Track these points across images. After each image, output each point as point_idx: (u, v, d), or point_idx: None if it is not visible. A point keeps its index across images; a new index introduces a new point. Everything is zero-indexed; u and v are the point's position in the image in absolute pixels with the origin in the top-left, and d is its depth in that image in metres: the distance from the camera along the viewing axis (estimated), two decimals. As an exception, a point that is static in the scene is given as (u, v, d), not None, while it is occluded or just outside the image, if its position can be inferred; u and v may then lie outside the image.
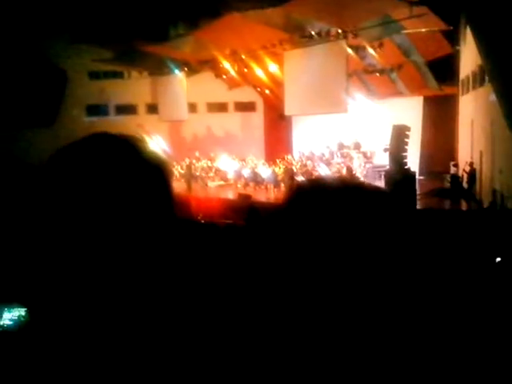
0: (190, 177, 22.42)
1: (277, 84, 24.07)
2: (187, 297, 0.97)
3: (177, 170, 23.83)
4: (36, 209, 0.90)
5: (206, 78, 25.77)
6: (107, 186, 0.91)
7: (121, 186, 0.92)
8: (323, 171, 19.07)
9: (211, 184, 22.05)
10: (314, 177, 18.27)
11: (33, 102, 23.86)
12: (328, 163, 20.75)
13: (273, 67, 22.69)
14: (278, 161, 21.28)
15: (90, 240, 0.89)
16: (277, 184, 19.67)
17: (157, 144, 27.79)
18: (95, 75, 27.54)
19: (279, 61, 21.65)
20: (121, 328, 0.86)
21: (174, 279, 0.96)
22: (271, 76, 23.78)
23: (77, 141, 0.98)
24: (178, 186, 22.22)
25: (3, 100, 22.72)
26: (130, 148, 1.00)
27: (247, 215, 12.58)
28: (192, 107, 26.99)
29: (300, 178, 18.58)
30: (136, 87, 27.70)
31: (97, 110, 28.05)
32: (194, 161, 23.88)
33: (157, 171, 1.01)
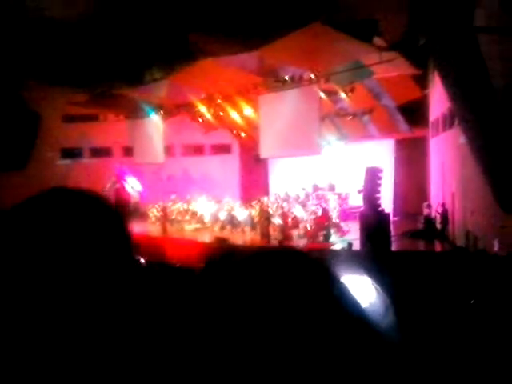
0: (164, 220, 22.19)
1: (252, 127, 24.31)
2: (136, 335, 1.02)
3: (152, 213, 23.56)
4: None
5: (181, 121, 25.96)
6: (60, 238, 0.98)
7: (73, 237, 1.00)
8: (299, 213, 19.07)
9: (188, 227, 21.83)
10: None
11: (4, 144, 23.59)
12: (303, 205, 20.81)
13: (248, 111, 23.00)
14: (253, 203, 21.22)
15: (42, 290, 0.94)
16: (253, 226, 19.54)
17: (131, 186, 27.71)
18: (70, 118, 27.54)
19: (254, 104, 21.97)
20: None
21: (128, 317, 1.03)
22: (246, 119, 24.08)
23: (34, 196, 1.06)
24: (153, 229, 21.96)
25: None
26: (84, 202, 1.10)
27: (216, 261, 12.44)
28: (168, 149, 27.07)
29: (276, 220, 18.53)
30: (112, 130, 27.73)
31: (71, 153, 27.90)
32: (169, 204, 23.68)
33: (108, 223, 1.10)
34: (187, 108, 24.13)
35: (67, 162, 27.78)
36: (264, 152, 21.52)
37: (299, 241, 17.43)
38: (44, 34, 19.47)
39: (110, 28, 21.07)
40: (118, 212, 1.19)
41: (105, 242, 1.07)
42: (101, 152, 28.14)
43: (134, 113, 26.39)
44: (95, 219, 1.08)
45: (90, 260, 1.02)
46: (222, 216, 21.06)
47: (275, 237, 17.51)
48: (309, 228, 17.74)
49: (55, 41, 19.91)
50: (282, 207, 20.03)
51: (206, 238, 19.47)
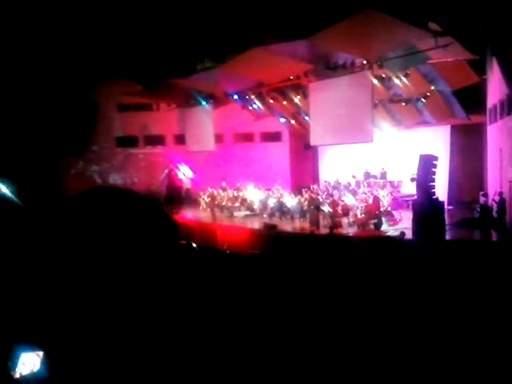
0: (213, 206, 22.60)
1: (302, 114, 24.30)
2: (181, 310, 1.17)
3: (203, 200, 24.03)
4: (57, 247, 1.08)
5: (232, 109, 26.22)
6: (108, 229, 1.19)
7: (121, 228, 1.23)
8: (349, 201, 18.92)
9: (237, 214, 22.11)
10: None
11: (64, 132, 24.71)
12: (354, 193, 20.60)
13: (298, 98, 22.92)
14: (303, 191, 21.22)
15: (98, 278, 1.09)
16: (302, 214, 19.56)
17: (183, 174, 28.30)
18: (125, 107, 28.44)
19: (304, 92, 21.88)
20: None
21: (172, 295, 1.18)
22: (296, 107, 24.03)
23: (81, 193, 1.19)
24: (204, 215, 22.43)
25: (39, 131, 23.60)
26: (126, 199, 1.22)
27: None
28: (219, 138, 27.41)
29: (326, 209, 18.46)
30: (165, 119, 28.37)
31: (126, 140, 28.80)
32: (220, 191, 24.05)
33: (148, 218, 1.30)
34: (237, 96, 24.35)
35: (123, 150, 28.69)
36: (314, 139, 21.42)
37: (349, 229, 17.33)
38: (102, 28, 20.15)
39: (162, 19, 21.50)
40: (157, 204, 1.24)
41: (142, 231, 1.19)
42: (154, 140, 28.87)
43: (185, 102, 26.90)
44: (132, 214, 1.23)
45: (133, 246, 1.14)
46: (271, 203, 21.19)
47: (324, 224, 17.47)
48: (359, 216, 17.58)
49: (113, 34, 20.57)
50: (332, 195, 19.91)
51: (255, 224, 19.71)
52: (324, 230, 16.89)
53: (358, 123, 19.03)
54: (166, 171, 28.40)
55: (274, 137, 28.25)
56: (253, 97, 24.25)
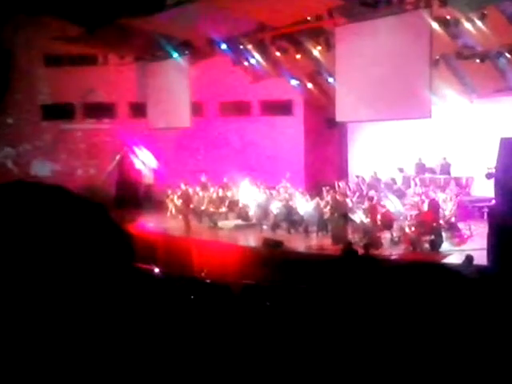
0: (187, 212, 22.55)
1: (324, 75, 24.23)
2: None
3: (172, 202, 23.91)
4: None
5: (218, 65, 26.14)
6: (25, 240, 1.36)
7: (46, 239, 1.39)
8: (393, 207, 18.84)
9: (223, 224, 22.06)
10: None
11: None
12: (401, 194, 20.52)
13: (318, 50, 22.87)
14: (324, 190, 21.18)
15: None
16: (322, 226, 19.53)
17: (142, 162, 28.19)
18: (55, 60, 28.27)
19: (328, 40, 21.82)
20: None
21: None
22: (316, 63, 23.98)
23: None
24: (174, 225, 22.33)
25: None
26: (53, 201, 1.43)
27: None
28: (198, 108, 27.29)
29: (358, 218, 18.41)
30: (115, 79, 28.28)
31: (57, 110, 28.62)
32: (197, 189, 23.96)
33: (87, 229, 1.45)
34: (227, 46, 24.27)
35: (52, 123, 28.53)
36: (342, 113, 21.36)
37: (393, 249, 17.32)
38: None
39: None
40: (101, 208, 1.50)
41: (77, 249, 1.37)
42: (100, 111, 28.75)
43: (147, 53, 26.82)
44: (63, 224, 1.38)
45: (62, 272, 1.35)
46: (276, 209, 21.13)
47: (355, 241, 17.39)
48: (408, 230, 17.55)
49: None
50: (368, 197, 19.83)
51: (250, 240, 19.54)
52: (355, 249, 16.79)
53: (408, 89, 18.98)
54: (117, 158, 28.32)
55: (282, 108, 28.14)
56: (250, 47, 24.15)
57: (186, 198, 23.19)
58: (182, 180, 24.34)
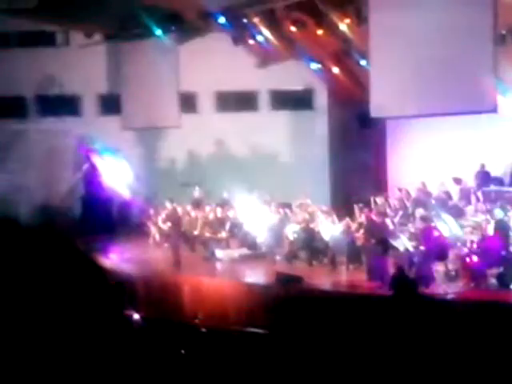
0: (177, 239, 22.46)
1: (355, 56, 24.27)
2: None
3: (155, 226, 23.86)
4: None
5: (215, 45, 26.28)
6: None
7: None
8: (449, 229, 18.76)
9: (223, 254, 22.02)
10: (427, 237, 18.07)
11: None
12: (459, 213, 20.42)
13: (347, 23, 22.89)
14: (356, 208, 21.15)
15: None
16: (354, 255, 19.52)
17: (115, 175, 28.10)
18: (1, 40, 28.33)
19: (359, 11, 21.83)
20: None
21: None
22: (344, 41, 24.04)
23: None
24: (158, 256, 22.30)
25: None
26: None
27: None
28: (189, 102, 27.40)
29: (401, 244, 18.34)
30: (79, 64, 28.35)
31: (3, 107, 28.64)
32: (189, 207, 23.95)
33: (44, 265, 1.57)
34: (227, 19, 24.32)
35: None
36: (378, 107, 21.33)
37: (448, 285, 17.32)
38: None
39: None
40: (61, 236, 1.62)
41: (30, 293, 1.49)
42: (60, 106, 28.83)
43: (121, 30, 26.82)
44: (10, 259, 1.53)
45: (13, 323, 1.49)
46: (292, 233, 21.13)
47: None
48: (468, 260, 17.48)
49: None
50: (415, 217, 19.78)
51: (259, 275, 19.62)
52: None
53: (466, 75, 19.03)
54: (84, 168, 28.28)
55: (299, 100, 28.23)
56: (256, 20, 24.23)
57: (175, 220, 23.12)
58: (168, 196, 24.29)
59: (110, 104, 28.52)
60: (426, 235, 18.42)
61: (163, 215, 23.73)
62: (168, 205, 23.57)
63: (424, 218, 19.56)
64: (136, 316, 13.11)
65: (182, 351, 10.82)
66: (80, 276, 1.55)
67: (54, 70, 28.40)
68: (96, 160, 28.30)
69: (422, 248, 18.18)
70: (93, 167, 28.31)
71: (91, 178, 28.29)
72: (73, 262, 1.55)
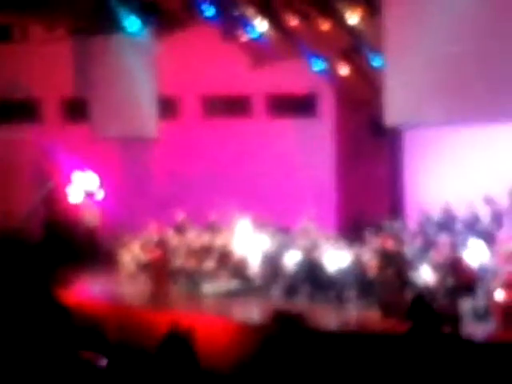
0: (159, 271, 22.37)
1: (366, 54, 24.46)
2: None
3: (129, 254, 23.86)
4: None
5: (201, 41, 26.54)
6: None
7: None
8: (477, 258, 18.78)
9: (210, 289, 22.03)
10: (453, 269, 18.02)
11: None
12: (489, 238, 20.42)
13: (358, 15, 23.02)
14: (368, 232, 21.18)
15: None
16: (365, 289, 19.57)
17: (82, 192, 28.15)
18: None
19: (372, 1, 21.97)
20: None
21: None
22: (353, 36, 24.22)
23: None
24: (131, 291, 22.38)
25: None
26: None
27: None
28: (170, 107, 27.64)
29: (421, 275, 18.36)
30: (39, 62, 28.47)
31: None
32: (169, 232, 23.93)
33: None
34: (215, 9, 24.41)
35: None
36: (394, 113, 21.44)
37: (476, 324, 17.32)
38: None
39: None
40: (15, 269, 1.40)
41: None
42: (16, 112, 28.96)
43: (89, 22, 26.96)
44: None
45: None
46: (292, 263, 21.13)
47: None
48: (500, 295, 17.49)
49: None
50: (437, 244, 19.83)
51: (253, 312, 19.68)
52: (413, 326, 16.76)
53: (502, 77, 19.14)
54: (48, 186, 28.31)
55: (300, 105, 28.41)
56: (250, 11, 24.36)
57: (155, 248, 23.01)
58: (144, 220, 24.30)
59: (77, 110, 28.70)
60: (450, 265, 18.45)
61: (139, 241, 23.73)
62: (153, 229, 23.41)
63: (448, 245, 19.60)
64: (103, 360, 13.07)
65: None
66: (34, 314, 1.55)
67: (9, 70, 28.47)
68: (60, 176, 28.32)
69: (445, 281, 18.21)
70: (57, 185, 28.33)
71: (54, 197, 28.30)
72: (28, 297, 1.55)
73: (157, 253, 22.42)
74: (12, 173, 28.82)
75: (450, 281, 18.17)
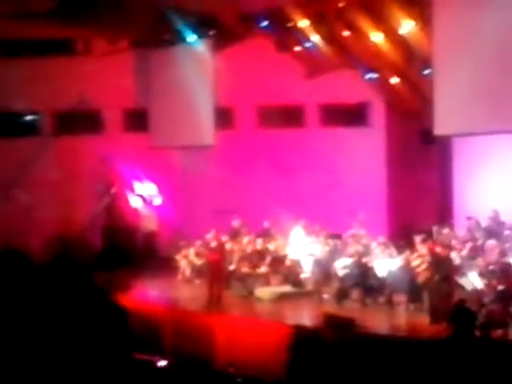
0: (212, 274, 22.29)
1: (416, 65, 24.30)
2: None
3: (186, 259, 23.92)
4: None
5: (257, 53, 26.61)
6: None
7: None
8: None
9: (263, 293, 21.98)
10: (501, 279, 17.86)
11: None
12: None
13: (408, 26, 22.89)
14: (417, 239, 21.07)
15: None
16: (415, 294, 19.49)
17: (142, 199, 28.25)
18: (12, 48, 28.84)
19: (424, 11, 21.86)
20: None
21: None
22: (405, 47, 24.15)
23: None
24: (187, 294, 22.44)
25: None
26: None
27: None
28: (226, 117, 27.72)
29: (469, 282, 18.22)
30: (101, 74, 28.68)
31: (13, 122, 29.04)
32: (224, 238, 23.91)
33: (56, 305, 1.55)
34: (270, 22, 24.45)
35: (4, 141, 28.78)
36: (443, 123, 21.26)
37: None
38: None
39: None
40: (79, 272, 1.41)
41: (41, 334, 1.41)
42: (79, 122, 29.24)
43: (151, 36, 27.15)
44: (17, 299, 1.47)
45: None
46: (343, 268, 21.07)
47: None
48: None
49: None
50: (486, 250, 19.70)
51: (304, 316, 19.58)
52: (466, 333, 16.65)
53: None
54: (110, 194, 28.39)
55: (352, 115, 28.33)
56: (304, 24, 24.37)
57: (211, 253, 22.97)
58: (202, 227, 24.28)
59: (137, 120, 28.84)
60: (498, 271, 18.32)
61: (195, 247, 23.76)
62: (212, 235, 23.36)
63: (496, 251, 19.46)
64: (162, 362, 13.24)
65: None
66: (97, 315, 1.52)
67: (73, 82, 28.62)
68: (121, 184, 28.47)
69: (494, 287, 18.07)
70: (117, 192, 28.45)
71: (114, 205, 28.44)
72: (89, 301, 1.52)
73: (213, 258, 22.48)
74: (74, 181, 29.01)
75: (499, 286, 18.03)
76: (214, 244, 22.49)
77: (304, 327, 17.75)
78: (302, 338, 14.35)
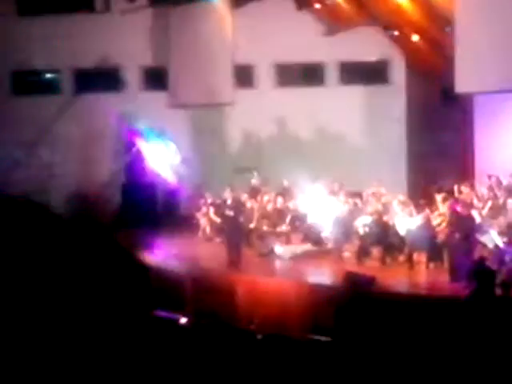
0: (234, 233, 22.25)
1: (438, 22, 24.12)
2: None
3: (206, 218, 23.91)
4: None
5: (275, 9, 26.38)
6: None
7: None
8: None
9: (282, 250, 21.95)
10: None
11: None
12: None
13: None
14: (438, 197, 20.97)
15: None
16: (435, 252, 19.43)
17: (161, 159, 28.22)
18: (30, 6, 28.79)
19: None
20: None
21: None
22: (425, 4, 23.92)
23: None
24: (208, 252, 22.40)
25: None
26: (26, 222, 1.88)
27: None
28: (245, 75, 27.56)
29: (490, 239, 18.13)
30: (120, 33, 28.57)
31: (35, 81, 28.98)
32: (245, 197, 23.88)
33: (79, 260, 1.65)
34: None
35: (23, 101, 28.80)
36: (465, 81, 21.11)
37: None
38: None
39: None
40: (99, 229, 1.45)
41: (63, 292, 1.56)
42: (98, 80, 29.15)
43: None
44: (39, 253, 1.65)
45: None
46: (363, 227, 21.02)
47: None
48: None
49: None
50: (507, 209, 19.58)
51: (325, 274, 19.61)
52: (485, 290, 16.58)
53: None
54: (132, 153, 28.31)
55: (372, 73, 28.13)
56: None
57: (237, 212, 22.84)
58: (221, 185, 24.22)
59: (156, 78, 28.75)
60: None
61: (216, 205, 23.72)
62: (227, 193, 23.30)
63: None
64: (183, 320, 13.23)
65: (236, 362, 10.83)
66: (117, 273, 1.52)
67: (92, 40, 28.54)
68: (140, 142, 28.40)
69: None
70: (137, 151, 28.38)
71: (134, 164, 28.38)
72: (110, 257, 1.51)
73: (231, 216, 22.52)
74: (95, 139, 29.00)
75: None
76: (229, 202, 22.50)
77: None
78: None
